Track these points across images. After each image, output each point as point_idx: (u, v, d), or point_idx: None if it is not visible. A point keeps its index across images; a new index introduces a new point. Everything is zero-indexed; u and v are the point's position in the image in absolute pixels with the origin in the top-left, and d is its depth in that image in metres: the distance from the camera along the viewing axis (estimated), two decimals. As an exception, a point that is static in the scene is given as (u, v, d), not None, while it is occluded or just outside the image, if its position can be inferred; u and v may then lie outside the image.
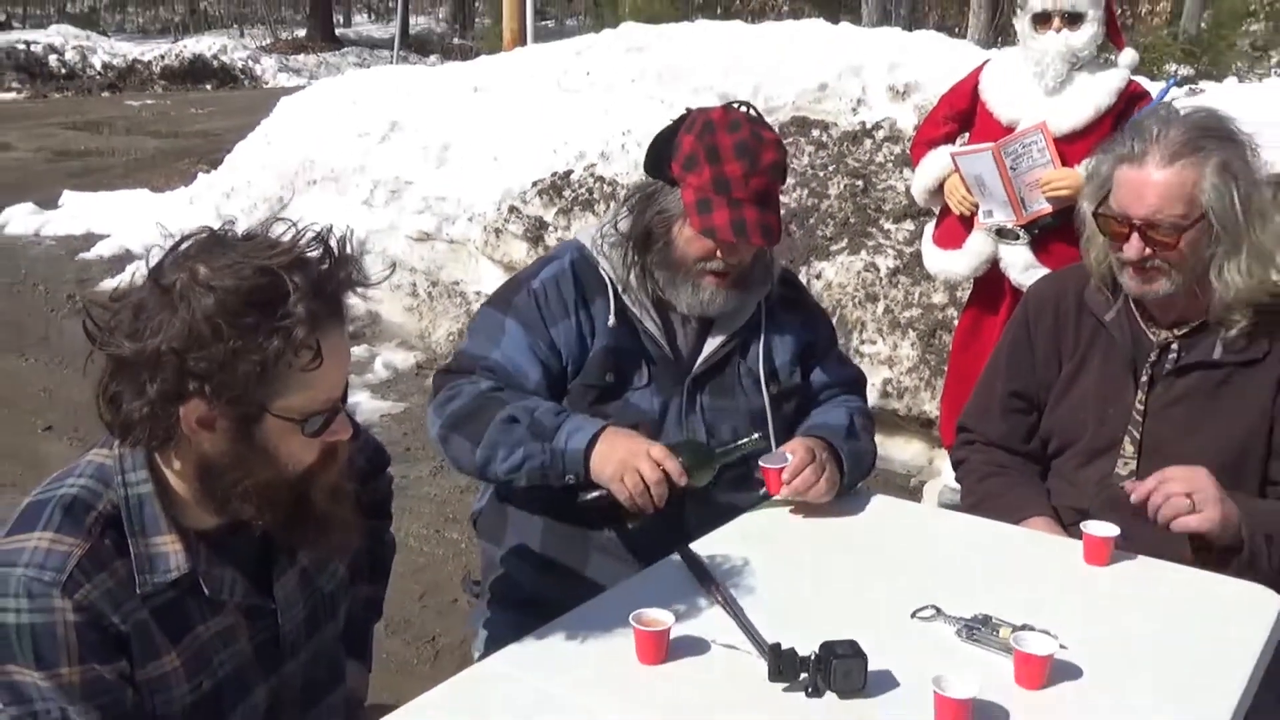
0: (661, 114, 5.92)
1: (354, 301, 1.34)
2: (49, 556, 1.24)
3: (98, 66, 17.12)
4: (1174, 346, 2.07)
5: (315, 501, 1.34)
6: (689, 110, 1.99)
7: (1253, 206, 1.94)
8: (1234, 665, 1.55)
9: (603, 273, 2.00)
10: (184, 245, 1.26)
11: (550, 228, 5.55)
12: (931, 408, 4.22)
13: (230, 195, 7.03)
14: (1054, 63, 3.27)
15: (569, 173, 5.76)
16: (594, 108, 6.14)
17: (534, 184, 5.76)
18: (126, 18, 26.21)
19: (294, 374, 1.24)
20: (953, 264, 3.58)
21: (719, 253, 1.93)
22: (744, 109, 1.96)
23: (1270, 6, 17.89)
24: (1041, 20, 3.29)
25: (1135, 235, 1.96)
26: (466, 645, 3.20)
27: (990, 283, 3.54)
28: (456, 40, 22.82)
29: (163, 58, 17.90)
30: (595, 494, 1.84)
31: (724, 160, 1.87)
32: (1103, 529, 1.81)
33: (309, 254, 1.27)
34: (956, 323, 3.91)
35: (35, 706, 1.25)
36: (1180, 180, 1.93)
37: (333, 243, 1.29)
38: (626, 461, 1.77)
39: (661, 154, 1.95)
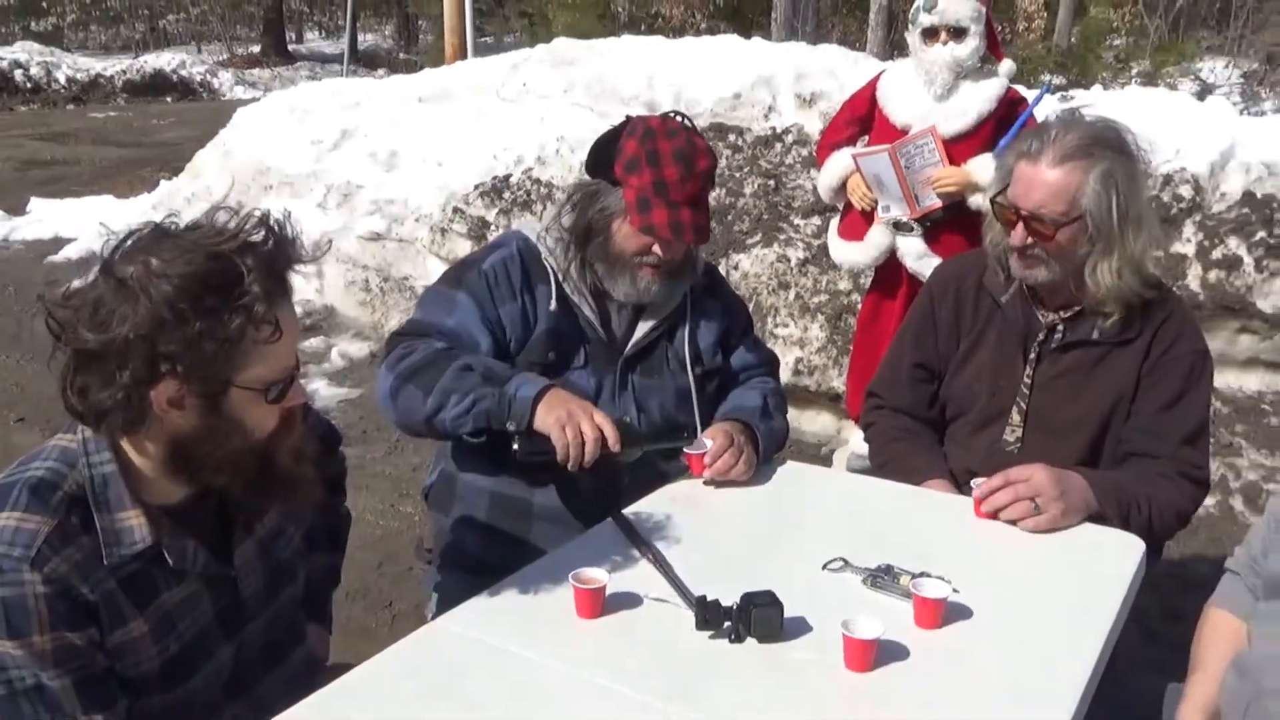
0: (593, 121, 5.91)
1: (308, 291, 1.33)
2: (17, 534, 1.21)
3: (62, 80, 16.51)
4: (1059, 327, 2.10)
5: (280, 463, 1.33)
6: (629, 118, 1.99)
7: (1130, 216, 1.96)
8: (1104, 603, 1.59)
9: (545, 262, 1.99)
10: (130, 241, 1.24)
11: (492, 227, 5.49)
12: (839, 383, 4.26)
13: (191, 200, 6.84)
14: (942, 72, 3.29)
15: (508, 176, 5.70)
16: (530, 116, 6.08)
17: (476, 187, 5.69)
18: (89, 35, 25.35)
19: (256, 348, 1.23)
20: (855, 254, 3.59)
21: (655, 248, 1.92)
22: (680, 119, 1.96)
23: (1130, 24, 18.32)
24: (930, 34, 3.31)
25: (1021, 224, 1.99)
26: (422, 608, 3.18)
27: (889, 270, 3.56)
28: (402, 55, 22.45)
29: (124, 72, 17.34)
30: (529, 447, 1.77)
31: (663, 165, 1.87)
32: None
33: (254, 238, 1.25)
34: (860, 307, 3.94)
35: (9, 674, 1.22)
36: (1065, 181, 1.95)
37: (274, 225, 1.28)
38: (572, 415, 1.75)
39: (604, 156, 1.94)
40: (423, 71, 7.51)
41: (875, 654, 1.38)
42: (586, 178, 2.02)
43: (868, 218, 3.50)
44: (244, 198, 6.59)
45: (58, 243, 7.11)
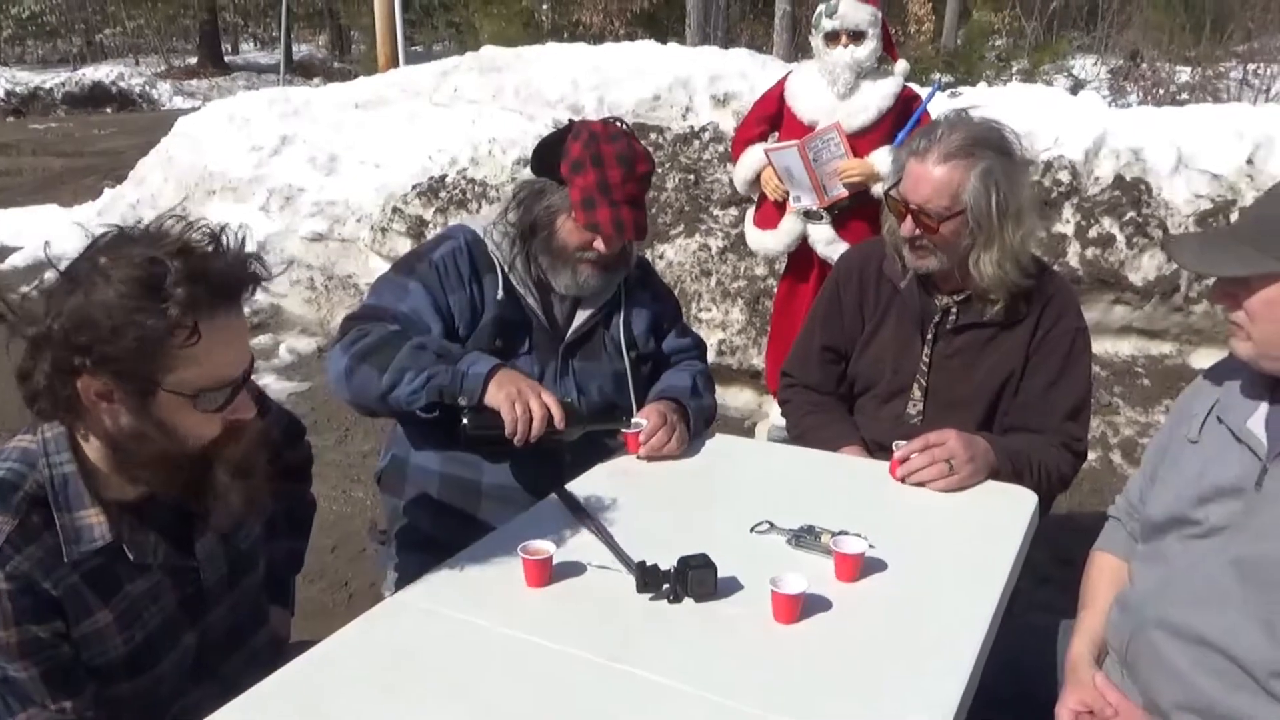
0: (521, 124, 5.87)
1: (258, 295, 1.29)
2: None
3: (0, 94, 15.83)
4: (953, 310, 2.14)
5: (217, 475, 1.28)
6: (572, 121, 1.99)
7: (1009, 211, 1.98)
8: (1002, 551, 1.64)
9: (492, 255, 1.97)
10: (97, 242, 1.21)
11: (430, 225, 5.42)
12: (758, 361, 4.30)
13: (136, 206, 6.62)
14: (843, 73, 3.34)
15: (444, 176, 5.63)
16: (462, 120, 6.01)
17: (414, 187, 5.61)
18: (26, 50, 24.28)
19: (176, 351, 1.18)
20: (770, 242, 3.63)
21: (596, 244, 1.92)
22: (620, 124, 1.96)
23: (1009, 26, 18.73)
24: (831, 38, 3.35)
25: (910, 217, 2.02)
26: (377, 587, 3.14)
27: (801, 256, 3.60)
28: (336, 64, 21.95)
29: (64, 85, 16.67)
30: (478, 422, 1.77)
31: (606, 166, 1.87)
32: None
33: (196, 245, 1.21)
34: (775, 290, 3.99)
35: None
36: (949, 178, 1.97)
37: (225, 237, 1.24)
38: (521, 392, 1.74)
39: (549, 157, 1.94)
40: (358, 79, 7.36)
41: (801, 607, 1.41)
42: (529, 176, 2.01)
43: (780, 208, 3.54)
44: (188, 203, 6.40)
45: (4, 251, 6.82)
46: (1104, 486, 3.65)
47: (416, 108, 6.45)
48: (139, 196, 6.74)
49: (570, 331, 2.03)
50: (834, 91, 3.37)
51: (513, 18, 13.58)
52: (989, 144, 2.00)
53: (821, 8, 3.39)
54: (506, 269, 1.97)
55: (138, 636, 1.31)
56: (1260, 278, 1.36)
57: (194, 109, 8.57)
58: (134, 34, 24.39)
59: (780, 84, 3.57)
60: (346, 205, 5.83)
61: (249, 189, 6.24)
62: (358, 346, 1.81)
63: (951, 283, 2.12)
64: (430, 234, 5.38)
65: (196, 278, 1.17)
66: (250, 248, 1.26)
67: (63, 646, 1.24)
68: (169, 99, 17.50)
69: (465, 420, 1.76)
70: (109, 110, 16.32)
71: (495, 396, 1.74)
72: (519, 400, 1.73)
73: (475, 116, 6.01)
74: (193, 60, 22.13)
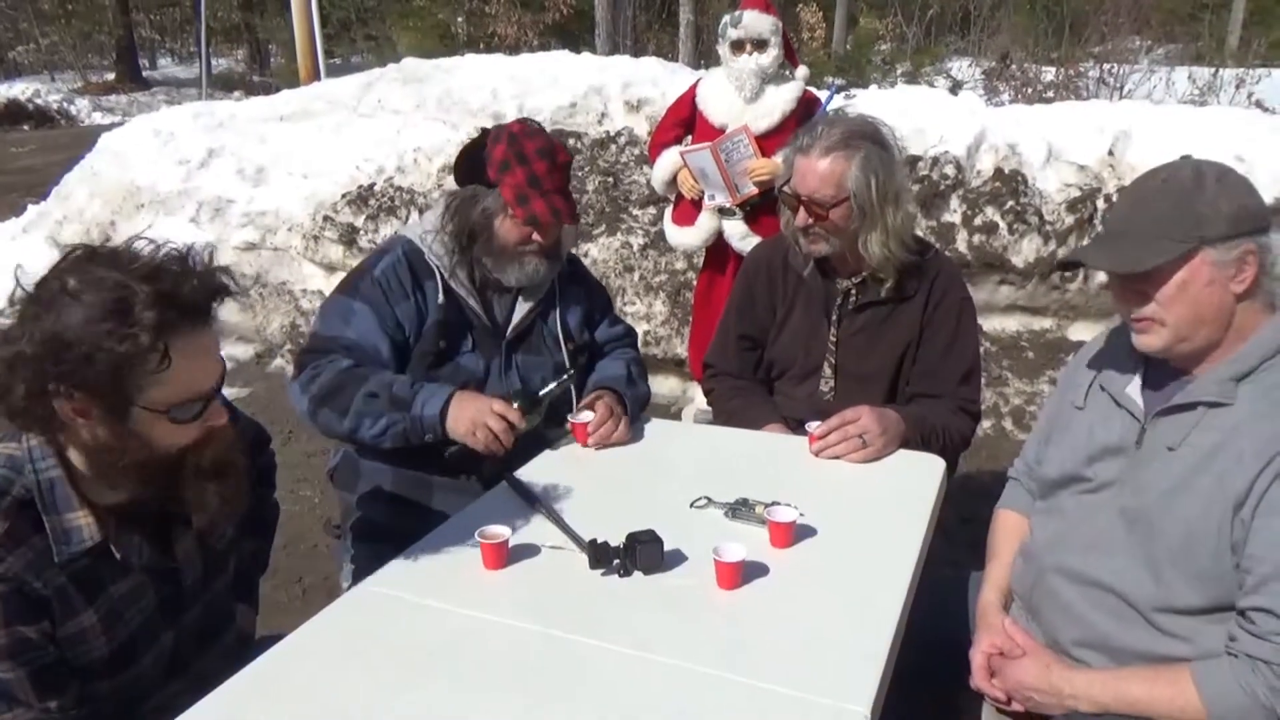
0: (445, 133, 5.79)
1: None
2: None
3: (-88, 113, 14.93)
4: (852, 292, 2.20)
5: (193, 478, 1.26)
6: (487, 129, 1.98)
7: (889, 195, 2.05)
8: (919, 512, 1.71)
9: (430, 262, 1.96)
10: (64, 261, 1.18)
11: (361, 231, 5.31)
12: (681, 350, 4.34)
13: (63, 223, 6.31)
14: (749, 79, 3.39)
15: (372, 185, 5.51)
16: (387, 130, 5.88)
17: (343, 196, 5.48)
18: (-66, 69, 22.92)
19: (146, 374, 1.15)
20: (688, 238, 3.67)
21: (534, 236, 1.93)
22: (533, 124, 1.96)
23: (892, 32, 19.19)
24: (737, 46, 3.40)
25: (802, 208, 2.08)
26: (331, 581, 3.08)
27: (717, 250, 3.65)
28: (255, 78, 21.25)
29: (-24, 103, 15.80)
30: (454, 449, 1.83)
31: (531, 161, 1.88)
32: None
33: (165, 267, 1.18)
34: (695, 283, 4.03)
35: None
36: (832, 169, 2.03)
37: (192, 258, 1.21)
38: (475, 419, 1.77)
39: (473, 164, 1.94)
40: (282, 92, 7.15)
41: (741, 573, 1.44)
42: (454, 186, 2.00)
43: (697, 206, 3.58)
44: (116, 218, 6.16)
45: (-73, 270, 6.44)
46: (999, 452, 3.79)
47: (341, 119, 6.30)
48: (64, 213, 6.44)
49: (510, 329, 2.03)
50: (741, 96, 3.42)
51: (429, 30, 13.36)
52: (866, 136, 2.07)
53: (727, 19, 3.44)
54: (447, 275, 1.96)
55: (120, 636, 1.29)
56: (1170, 263, 1.38)
57: (114, 124, 8.21)
58: (48, 51, 23.21)
59: (692, 90, 3.61)
60: (277, 215, 5.67)
61: (178, 202, 6.02)
62: (314, 389, 1.84)
63: (848, 266, 2.19)
64: (362, 241, 5.28)
65: (166, 301, 1.14)
66: (211, 262, 1.23)
67: (50, 647, 1.21)
68: (88, 115, 16.71)
69: (445, 454, 1.82)
70: (26, 127, 15.51)
71: (456, 432, 1.80)
72: (479, 428, 1.77)
73: (400, 126, 5.89)
74: (110, 76, 21.17)
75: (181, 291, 1.17)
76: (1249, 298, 1.40)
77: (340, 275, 5.48)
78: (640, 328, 4.41)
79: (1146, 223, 1.41)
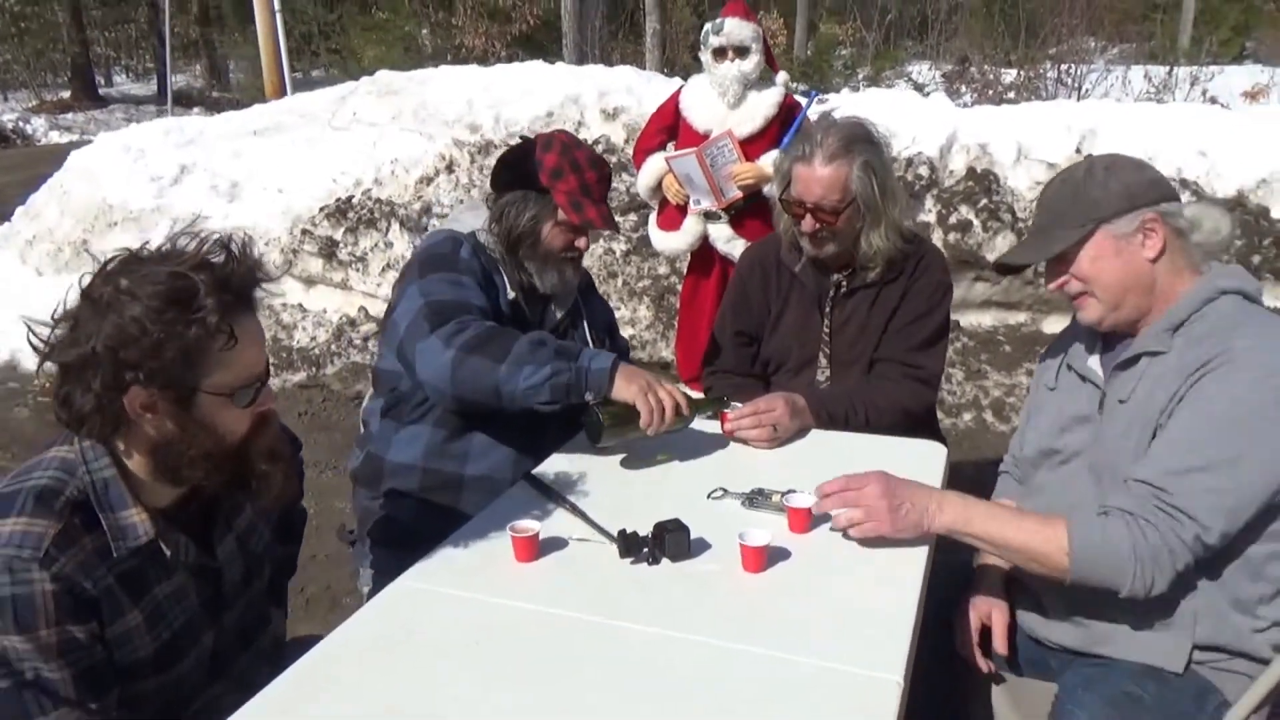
0: (421, 144, 5.82)
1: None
2: (25, 537, 1.18)
3: None
4: (843, 283, 2.30)
5: (254, 463, 1.32)
6: (529, 137, 2.05)
7: (887, 191, 2.17)
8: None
9: (495, 258, 2.01)
10: (107, 266, 1.23)
11: (340, 244, 5.32)
12: (667, 353, 4.41)
13: (33, 242, 6.26)
14: (732, 85, 3.48)
15: (350, 197, 5.54)
16: (363, 142, 5.92)
17: (321, 209, 5.50)
18: (-115, 90, 22.41)
19: (214, 355, 1.22)
20: (674, 242, 3.75)
21: (577, 242, 2.00)
22: (573, 135, 2.04)
23: (852, 37, 19.46)
24: (720, 53, 3.49)
25: (809, 215, 2.17)
26: (333, 590, 3.11)
27: (702, 254, 3.73)
28: (215, 93, 21.04)
29: (-71, 125, 15.50)
30: (615, 421, 1.80)
31: (584, 170, 1.96)
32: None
33: (213, 258, 1.24)
34: (680, 287, 4.10)
35: (15, 667, 1.17)
36: (836, 175, 2.13)
37: (233, 246, 1.27)
38: (651, 385, 1.78)
39: (518, 170, 1.99)
40: (254, 107, 7.14)
41: (767, 557, 1.50)
42: (504, 192, 2.03)
43: (682, 210, 3.66)
44: (88, 235, 6.11)
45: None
46: (982, 443, 3.90)
47: (315, 133, 6.32)
48: (35, 231, 6.38)
49: (548, 331, 2.08)
50: (724, 102, 3.51)
51: (394, 43, 13.35)
52: (861, 139, 2.18)
53: (708, 26, 3.53)
54: (506, 275, 2.01)
55: (164, 635, 1.32)
56: (1074, 245, 1.57)
57: (72, 143, 8.12)
58: (1, 70, 22.83)
59: (674, 97, 3.69)
60: (254, 230, 5.66)
61: (151, 219, 5.99)
62: (463, 338, 1.76)
63: (839, 260, 2.28)
64: (341, 254, 5.29)
65: (223, 286, 1.20)
66: (250, 250, 1.29)
67: (96, 647, 1.24)
68: (44, 133, 16.45)
69: (599, 415, 1.78)
70: (-19, 147, 15.25)
71: (626, 390, 1.76)
72: (650, 393, 1.76)
73: (375, 139, 5.93)
74: (65, 94, 20.86)
75: (233, 277, 1.24)
76: (1165, 260, 1.56)
77: (322, 288, 5.50)
78: (625, 332, 4.48)
79: (1052, 218, 1.63)
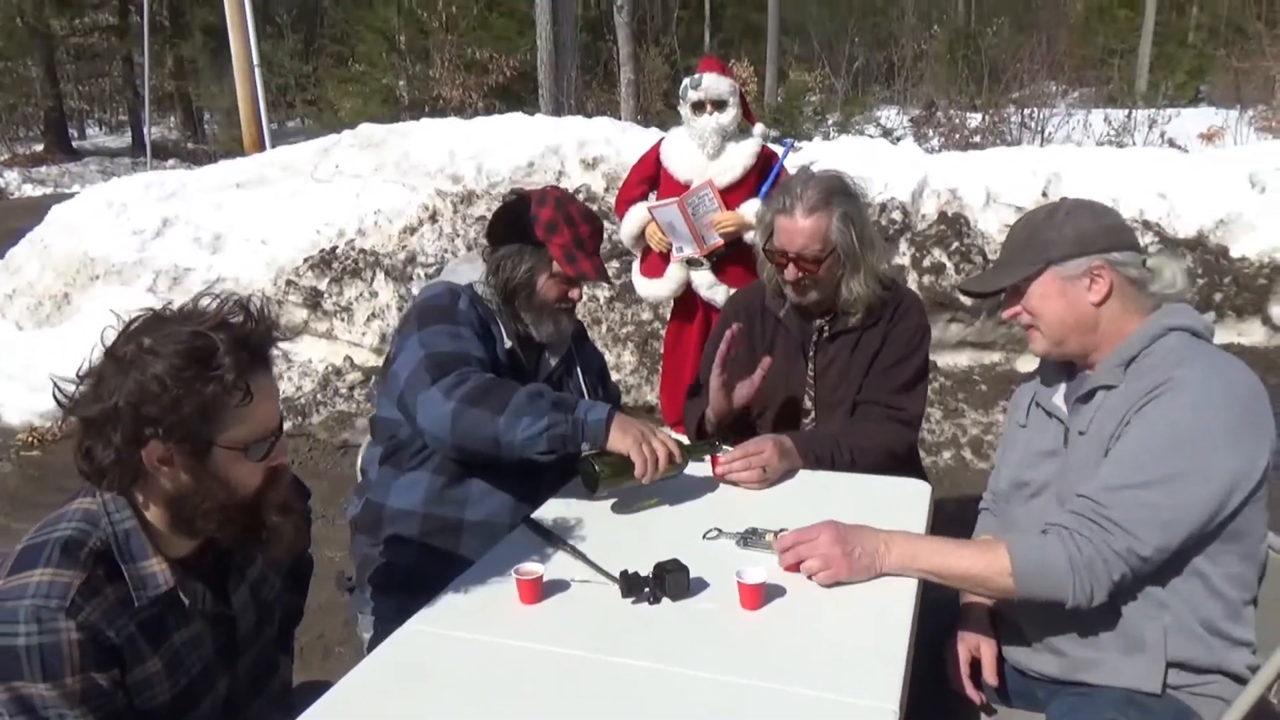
0: (405, 195, 5.92)
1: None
2: (52, 587, 1.22)
3: None
4: (825, 329, 2.38)
5: (266, 515, 1.36)
6: (522, 192, 2.12)
7: (865, 240, 2.27)
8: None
9: (493, 309, 2.07)
10: (131, 325, 1.29)
11: (325, 294, 5.37)
12: (651, 397, 4.47)
13: (13, 296, 6.25)
14: (711, 137, 3.60)
15: (334, 248, 5.60)
16: (346, 193, 5.99)
17: (305, 260, 5.55)
18: None
19: (230, 411, 1.27)
20: (658, 289, 3.84)
21: (570, 294, 2.07)
22: (567, 191, 2.12)
23: (821, 84, 19.90)
24: (698, 107, 3.62)
25: (791, 265, 2.26)
26: (326, 639, 3.11)
27: (685, 300, 3.82)
28: (190, 145, 21.11)
29: (-100, 178, 15.42)
30: (597, 463, 1.85)
31: (577, 224, 2.04)
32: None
33: (232, 318, 1.30)
34: (663, 332, 4.18)
35: (37, 714, 1.20)
36: (817, 227, 2.23)
37: (251, 307, 1.33)
38: (645, 435, 1.83)
39: (517, 224, 2.07)
40: (235, 159, 7.21)
41: (764, 594, 1.56)
42: (499, 245, 2.10)
43: (665, 258, 3.76)
44: (69, 289, 6.12)
45: None
46: (961, 480, 3.98)
47: (298, 185, 6.38)
48: (15, 285, 6.37)
49: (543, 379, 2.14)
50: (704, 153, 3.63)
51: (371, 95, 13.51)
52: (839, 191, 2.28)
53: (687, 81, 3.66)
54: (503, 327, 2.07)
55: (182, 682, 1.36)
56: (1025, 280, 1.68)
57: (46, 196, 8.14)
58: (-27, 123, 22.80)
59: (655, 149, 3.81)
60: (237, 282, 5.70)
61: (133, 272, 6.02)
62: (463, 390, 1.81)
63: (821, 306, 2.37)
64: (326, 304, 5.34)
65: (241, 345, 1.26)
66: (266, 311, 1.35)
67: (118, 694, 1.27)
68: (18, 187, 16.40)
69: (596, 467, 1.84)
70: (-47, 202, 15.17)
71: (622, 442, 1.81)
72: (645, 443, 1.81)
73: (358, 190, 6.00)
74: (39, 147, 20.85)
75: (250, 336, 1.30)
76: (1112, 304, 1.65)
77: (307, 337, 5.52)
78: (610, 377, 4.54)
79: (1011, 252, 1.75)
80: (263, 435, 1.33)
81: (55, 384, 1.27)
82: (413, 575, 1.98)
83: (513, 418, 1.78)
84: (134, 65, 22.38)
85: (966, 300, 4.58)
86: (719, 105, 3.60)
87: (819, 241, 2.23)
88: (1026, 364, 4.65)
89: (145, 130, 14.15)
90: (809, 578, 1.64)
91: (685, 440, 1.96)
